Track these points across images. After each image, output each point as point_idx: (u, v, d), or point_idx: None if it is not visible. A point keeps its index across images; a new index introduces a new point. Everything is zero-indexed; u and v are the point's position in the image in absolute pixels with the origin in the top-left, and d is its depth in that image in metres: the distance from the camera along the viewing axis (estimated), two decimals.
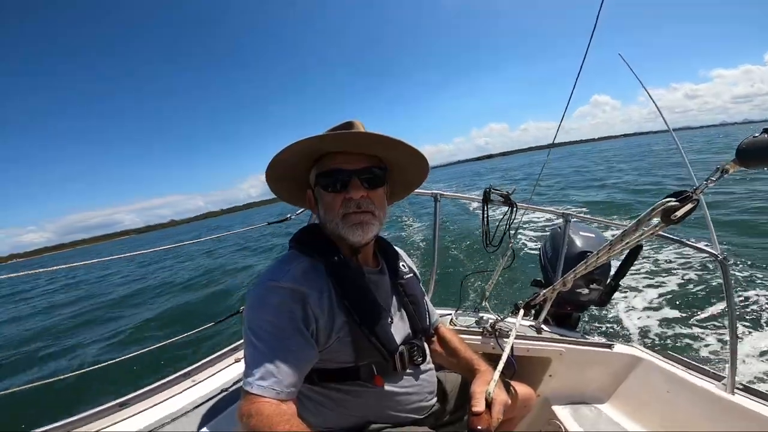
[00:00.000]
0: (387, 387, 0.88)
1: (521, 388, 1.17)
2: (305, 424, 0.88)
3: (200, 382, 1.11)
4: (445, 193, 1.70)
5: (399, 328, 0.95)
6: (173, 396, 1.03)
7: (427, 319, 1.06)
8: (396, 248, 1.14)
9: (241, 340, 1.67)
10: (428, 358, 1.01)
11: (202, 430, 0.88)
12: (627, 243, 0.83)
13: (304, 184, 0.96)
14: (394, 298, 0.99)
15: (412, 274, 1.08)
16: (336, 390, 0.87)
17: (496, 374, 0.89)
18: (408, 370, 0.93)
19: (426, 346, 1.03)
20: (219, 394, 1.07)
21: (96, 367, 1.37)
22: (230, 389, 1.15)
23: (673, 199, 0.71)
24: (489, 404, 0.83)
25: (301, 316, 0.78)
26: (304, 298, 0.79)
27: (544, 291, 1.09)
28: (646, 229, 0.78)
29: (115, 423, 0.89)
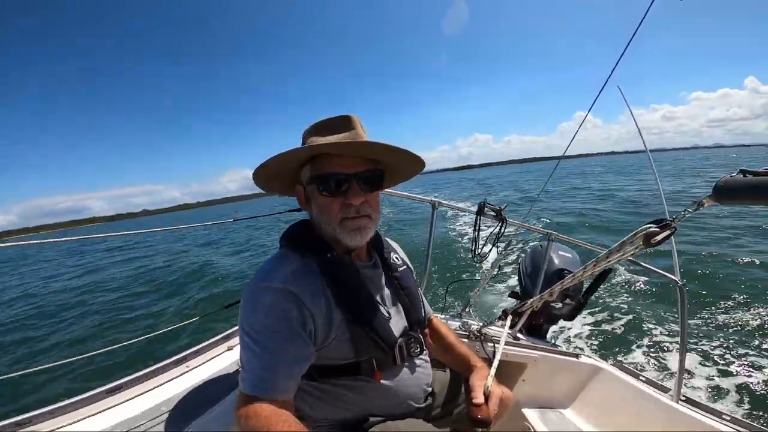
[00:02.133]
0: (386, 380, 0.90)
1: (503, 390, 1.26)
2: (305, 417, 0.91)
3: (194, 368, 1.12)
4: (442, 201, 1.81)
5: (396, 321, 0.96)
6: (168, 381, 1.03)
7: (423, 310, 1.06)
8: (388, 240, 1.13)
9: (235, 328, 1.70)
10: (425, 349, 1.02)
11: (197, 417, 0.88)
12: (609, 260, 0.95)
13: (294, 178, 0.93)
14: (389, 291, 0.99)
15: (405, 267, 1.07)
16: (335, 385, 0.88)
17: (492, 370, 0.96)
18: (406, 363, 0.94)
19: (422, 337, 1.04)
20: (212, 380, 1.07)
21: (85, 355, 1.32)
22: (223, 376, 1.14)
23: (654, 225, 0.84)
24: (486, 398, 0.89)
25: (295, 316, 0.77)
26: (297, 299, 0.78)
27: (532, 300, 1.21)
28: (628, 249, 0.90)
29: (105, 410, 0.88)
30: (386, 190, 1.91)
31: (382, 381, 0.89)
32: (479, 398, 0.89)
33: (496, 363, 0.98)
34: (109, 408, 0.87)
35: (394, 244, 1.15)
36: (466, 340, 1.55)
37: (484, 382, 0.93)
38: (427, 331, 1.16)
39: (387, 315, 0.93)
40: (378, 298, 0.94)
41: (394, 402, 0.92)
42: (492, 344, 1.54)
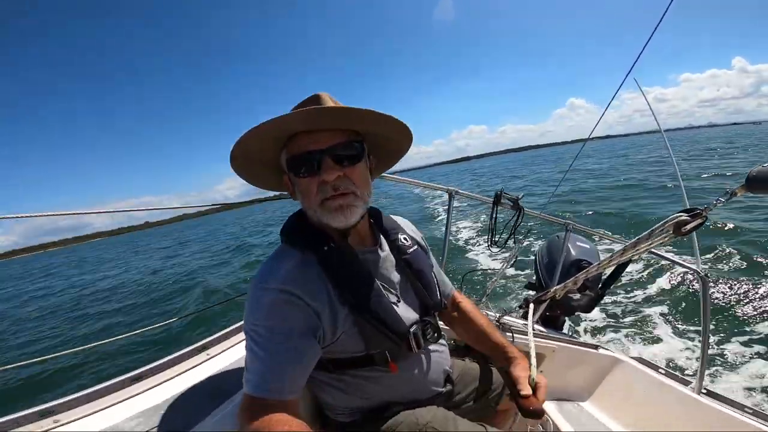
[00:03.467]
0: (402, 370, 0.88)
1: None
2: (327, 406, 0.92)
3: (214, 356, 1.11)
4: (459, 190, 1.79)
5: (408, 307, 0.92)
6: (189, 370, 1.03)
7: (438, 293, 0.99)
8: (396, 219, 1.07)
9: None
10: (442, 334, 0.99)
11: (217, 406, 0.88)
12: (638, 249, 0.93)
13: (281, 170, 0.87)
14: (399, 276, 0.93)
15: (416, 246, 1.00)
16: (353, 376, 0.87)
17: (533, 360, 0.94)
18: (422, 350, 0.91)
19: (439, 322, 1.01)
20: (232, 368, 1.07)
21: (108, 340, 1.36)
22: (240, 368, 1.16)
23: (684, 214, 0.82)
24: (533, 389, 0.88)
25: (297, 316, 0.75)
26: (297, 298, 0.75)
27: (555, 288, 1.19)
28: (657, 238, 0.88)
29: (131, 397, 0.89)
30: (402, 178, 1.90)
31: (398, 371, 0.87)
32: (527, 390, 0.87)
33: (533, 352, 0.95)
34: (132, 396, 0.88)
35: (403, 222, 1.09)
36: None
37: (527, 373, 0.91)
38: (453, 311, 1.14)
39: (396, 303, 0.89)
40: (385, 285, 0.89)
41: (413, 389, 0.92)
42: (511, 334, 1.54)
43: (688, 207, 0.82)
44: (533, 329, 1.78)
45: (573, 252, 2.11)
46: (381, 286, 0.86)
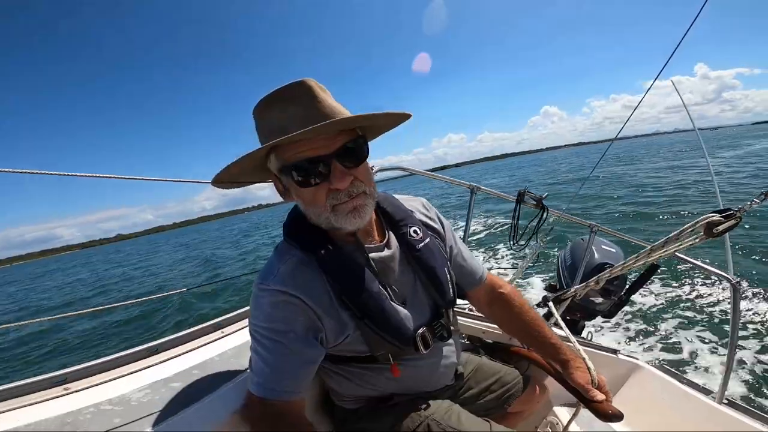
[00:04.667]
0: (406, 369, 0.87)
1: (536, 383, 1.20)
2: (334, 393, 0.94)
3: (228, 334, 1.12)
4: (482, 187, 1.78)
5: (417, 308, 0.88)
6: (202, 346, 1.04)
7: (451, 290, 0.92)
8: (407, 200, 0.99)
9: None
10: (452, 331, 0.95)
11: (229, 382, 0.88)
12: (666, 250, 0.91)
13: (262, 165, 0.78)
14: (408, 273, 0.88)
15: (428, 238, 0.91)
16: (356, 367, 0.88)
17: (590, 362, 0.93)
18: (431, 349, 0.88)
19: (451, 318, 0.96)
20: (243, 347, 1.07)
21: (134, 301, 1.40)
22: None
23: (717, 214, 0.80)
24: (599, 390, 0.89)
25: (297, 317, 0.73)
26: (297, 300, 0.73)
27: (576, 287, 1.17)
28: (687, 239, 0.86)
29: (148, 367, 0.91)
30: (424, 172, 1.91)
31: (401, 370, 0.85)
32: (599, 394, 0.88)
33: (583, 352, 0.96)
34: (144, 368, 0.91)
35: (416, 203, 1.00)
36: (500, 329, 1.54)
37: (587, 376, 0.91)
38: (487, 298, 1.07)
39: (403, 305, 0.84)
40: (391, 285, 0.84)
41: (419, 383, 0.92)
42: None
43: (722, 207, 0.80)
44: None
45: (597, 255, 2.06)
46: (386, 288, 0.82)
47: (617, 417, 0.83)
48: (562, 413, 1.57)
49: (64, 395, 0.78)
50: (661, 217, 9.05)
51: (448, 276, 0.92)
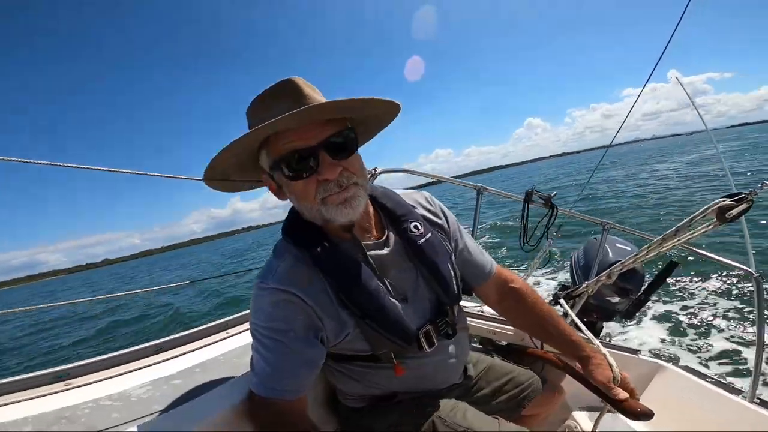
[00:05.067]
0: (410, 369, 0.85)
1: (552, 385, 1.16)
2: (339, 390, 0.94)
3: (234, 335, 1.12)
4: (488, 188, 1.77)
5: (420, 305, 0.86)
6: (207, 345, 1.04)
7: (455, 286, 0.89)
8: (409, 194, 0.97)
9: None
10: (458, 327, 0.93)
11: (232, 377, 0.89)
12: (678, 239, 0.88)
13: (254, 165, 0.78)
14: (409, 270, 0.86)
15: (430, 233, 0.89)
16: (360, 367, 0.87)
17: (611, 359, 0.89)
18: (436, 347, 0.86)
19: (456, 314, 0.93)
20: (247, 347, 1.07)
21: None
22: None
23: (728, 198, 0.78)
24: (625, 388, 0.84)
25: (297, 316, 0.73)
26: (296, 299, 0.72)
27: (587, 283, 1.14)
28: (699, 226, 0.83)
29: (152, 365, 0.91)
30: (429, 173, 1.91)
31: (405, 370, 0.84)
32: (621, 393, 0.82)
33: (603, 350, 0.91)
34: (148, 366, 0.91)
35: (417, 197, 0.98)
36: (513, 328, 1.51)
37: (608, 374, 0.86)
38: (497, 293, 1.03)
39: (404, 302, 0.82)
40: (392, 283, 0.82)
41: (424, 383, 0.90)
42: None
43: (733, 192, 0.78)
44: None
45: (611, 254, 2.01)
46: (386, 285, 0.81)
47: (646, 415, 0.78)
48: (582, 417, 1.51)
49: (64, 390, 0.79)
50: (666, 212, 8.88)
51: (452, 271, 0.90)
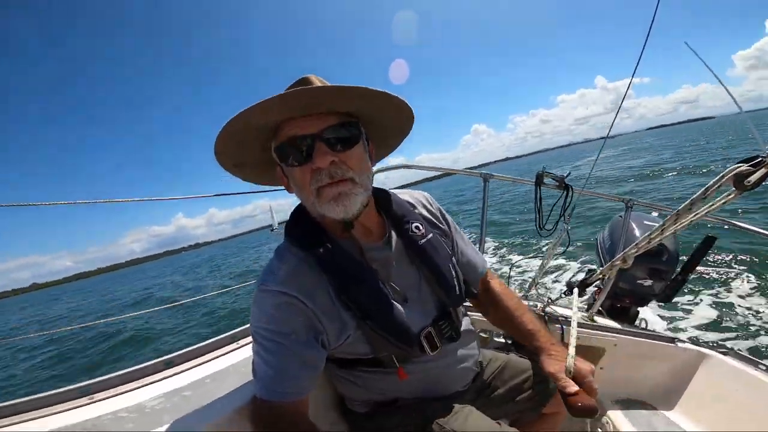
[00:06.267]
0: (414, 372, 0.84)
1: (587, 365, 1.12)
2: (345, 396, 0.94)
3: (243, 345, 1.13)
4: (495, 174, 1.69)
5: (422, 307, 0.85)
6: (216, 357, 1.06)
7: (457, 287, 0.89)
8: (409, 195, 0.98)
9: None
10: (463, 329, 0.93)
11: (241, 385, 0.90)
12: (695, 213, 0.79)
13: (269, 160, 0.79)
14: (411, 271, 0.86)
15: (431, 234, 0.89)
16: (363, 372, 0.86)
17: (571, 348, 0.82)
18: (439, 350, 0.85)
19: (460, 317, 0.94)
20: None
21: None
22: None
23: (744, 164, 0.68)
24: (576, 381, 0.78)
25: (297, 318, 0.73)
26: (298, 301, 0.72)
27: (602, 269, 1.04)
28: (717, 197, 0.74)
29: (161, 380, 0.94)
30: (430, 166, 1.84)
31: (408, 374, 0.83)
32: (571, 386, 0.77)
33: (573, 338, 0.84)
34: (161, 379, 0.95)
35: (418, 197, 0.99)
36: None
37: (563, 365, 0.81)
38: (480, 293, 1.05)
39: (406, 305, 0.82)
40: (394, 284, 0.82)
41: (429, 387, 0.88)
42: (560, 324, 1.39)
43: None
44: (593, 321, 1.61)
45: (638, 232, 1.86)
46: (388, 287, 0.80)
47: (586, 412, 0.71)
48: (617, 415, 1.40)
49: (87, 404, 0.84)
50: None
51: (454, 272, 0.89)
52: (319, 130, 0.69)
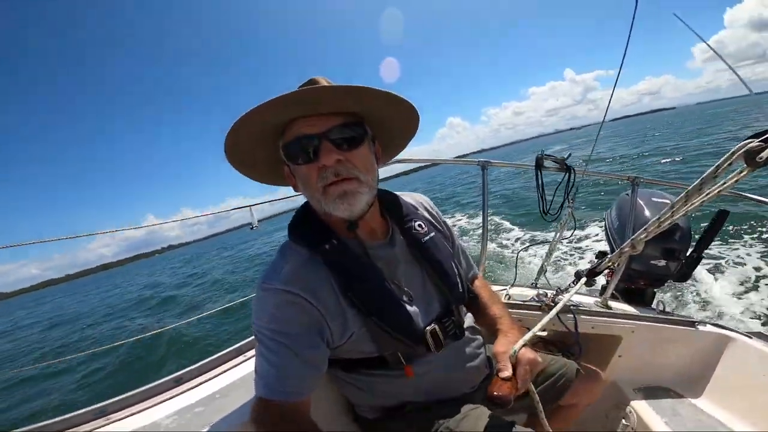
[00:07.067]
0: (420, 371, 0.83)
1: (588, 371, 1.09)
2: (352, 402, 0.95)
3: (250, 358, 1.13)
4: (492, 161, 1.63)
5: (426, 304, 0.85)
6: (224, 372, 1.06)
7: (460, 285, 0.91)
8: (410, 197, 1.00)
9: None
10: (467, 327, 0.92)
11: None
12: (707, 193, 0.73)
13: (278, 160, 0.80)
14: (414, 270, 0.87)
15: (433, 233, 0.92)
16: (368, 375, 0.85)
17: (529, 334, 0.75)
18: (445, 348, 0.84)
19: (464, 314, 0.95)
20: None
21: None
22: None
23: (755, 139, 0.62)
24: (515, 368, 0.72)
25: (301, 317, 0.73)
26: (301, 299, 0.72)
27: (611, 256, 0.99)
28: (729, 175, 0.68)
29: (173, 397, 0.95)
30: (426, 158, 1.79)
31: (414, 373, 0.82)
32: (506, 371, 0.72)
33: (538, 326, 0.76)
34: (173, 397, 0.95)
35: (419, 200, 1.01)
36: (538, 312, 1.38)
37: (510, 347, 0.75)
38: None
39: (410, 302, 0.82)
40: (398, 282, 0.83)
41: (436, 388, 0.86)
42: (572, 314, 1.34)
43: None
44: (608, 308, 1.55)
45: (648, 211, 1.78)
46: (392, 285, 0.81)
47: (498, 402, 0.66)
48: (641, 406, 1.34)
49: (103, 426, 0.86)
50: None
51: (456, 270, 0.91)
52: (326, 130, 0.70)
